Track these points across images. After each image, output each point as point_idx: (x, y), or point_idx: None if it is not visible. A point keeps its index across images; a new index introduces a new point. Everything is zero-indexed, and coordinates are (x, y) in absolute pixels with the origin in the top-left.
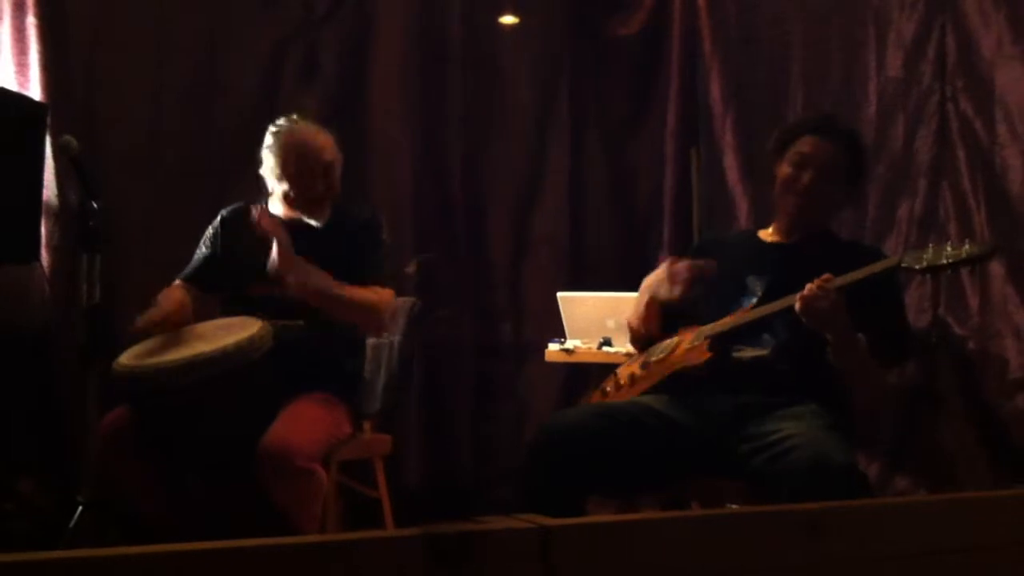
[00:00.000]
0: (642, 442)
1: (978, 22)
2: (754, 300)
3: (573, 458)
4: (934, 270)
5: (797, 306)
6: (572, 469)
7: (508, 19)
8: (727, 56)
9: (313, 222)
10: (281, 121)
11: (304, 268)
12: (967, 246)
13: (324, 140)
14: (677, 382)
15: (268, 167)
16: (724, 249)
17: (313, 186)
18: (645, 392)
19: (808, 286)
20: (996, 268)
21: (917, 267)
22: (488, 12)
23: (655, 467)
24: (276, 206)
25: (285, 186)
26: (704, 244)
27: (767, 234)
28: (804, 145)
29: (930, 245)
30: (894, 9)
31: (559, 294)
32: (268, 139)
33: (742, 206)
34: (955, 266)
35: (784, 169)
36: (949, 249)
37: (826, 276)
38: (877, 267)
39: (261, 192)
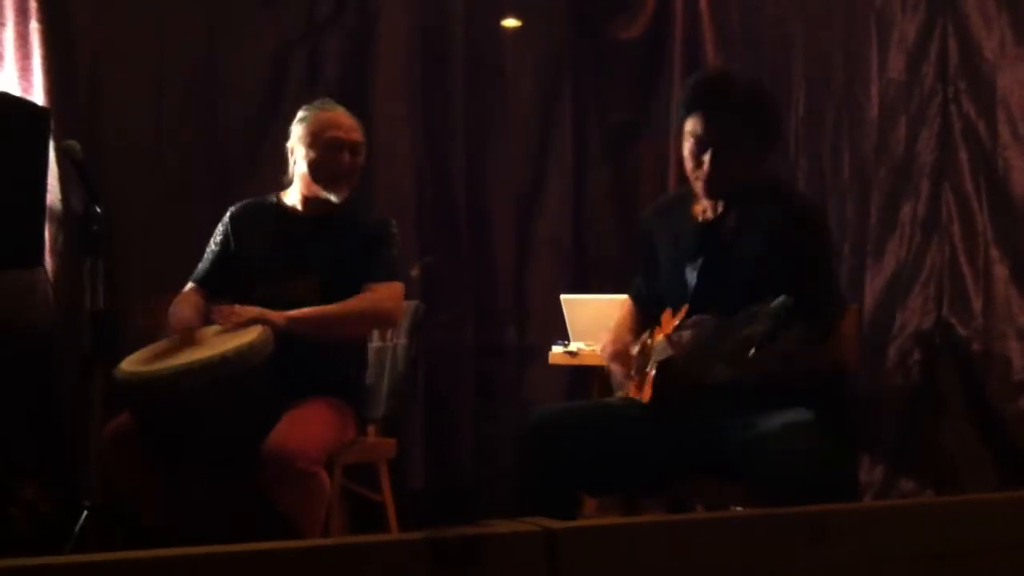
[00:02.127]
0: (622, 429)
1: (980, 24)
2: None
3: (555, 442)
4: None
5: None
6: (555, 454)
7: (510, 21)
8: (729, 59)
9: (333, 198)
10: (315, 102)
11: (279, 313)
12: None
13: (355, 124)
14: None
15: (297, 136)
16: (661, 225)
17: (340, 158)
18: None
19: (661, 335)
20: (1000, 270)
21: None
22: (490, 14)
23: (637, 456)
24: (292, 193)
25: (312, 154)
26: (644, 224)
27: (696, 207)
28: (697, 124)
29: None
30: (896, 11)
31: (562, 297)
32: (301, 113)
33: None
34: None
35: (685, 147)
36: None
37: (678, 317)
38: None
39: (265, 190)
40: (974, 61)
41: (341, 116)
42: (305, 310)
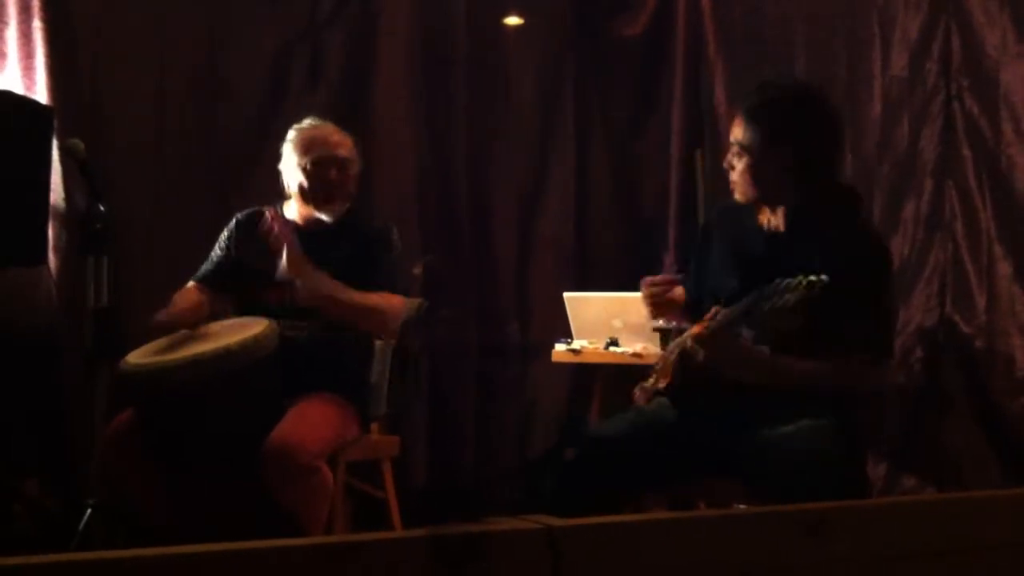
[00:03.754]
0: (660, 450)
1: (983, 21)
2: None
3: (614, 472)
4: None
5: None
6: (613, 482)
7: (512, 20)
8: (732, 57)
9: (326, 217)
10: (304, 121)
11: (314, 273)
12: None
13: (343, 139)
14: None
15: (286, 160)
16: (724, 228)
17: (327, 178)
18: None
19: (694, 329)
20: (1003, 267)
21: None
22: (492, 13)
23: (667, 471)
24: (292, 208)
25: (301, 178)
26: (707, 224)
27: (764, 216)
28: (734, 129)
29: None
30: (899, 9)
31: (566, 294)
32: (289, 134)
33: None
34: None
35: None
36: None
37: (710, 313)
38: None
39: (271, 193)
40: (977, 58)
41: (326, 133)
42: (339, 287)
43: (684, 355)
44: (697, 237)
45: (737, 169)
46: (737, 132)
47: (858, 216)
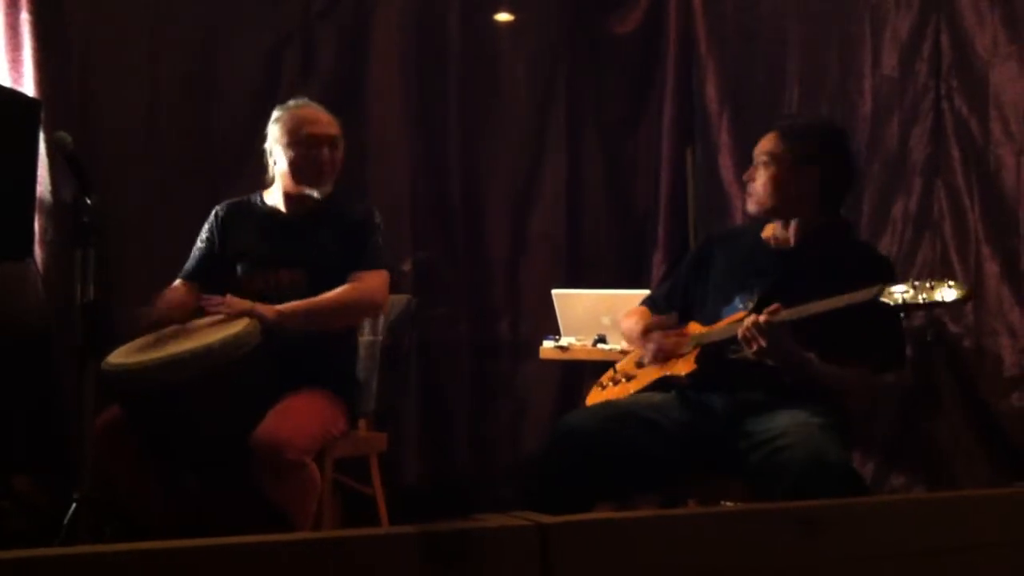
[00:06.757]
0: (650, 444)
1: (973, 21)
2: (750, 305)
3: (586, 462)
4: (907, 308)
5: (739, 334)
6: (585, 473)
7: (505, 16)
8: (723, 55)
9: (316, 194)
10: (289, 102)
11: (268, 306)
12: (944, 289)
13: (330, 118)
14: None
15: (274, 138)
16: (726, 247)
17: (319, 154)
18: (644, 389)
19: (748, 321)
20: (991, 267)
21: (891, 304)
22: (486, 10)
23: (661, 467)
24: (274, 192)
25: (291, 153)
26: (708, 242)
27: (769, 233)
28: (763, 143)
29: (911, 280)
30: (890, 8)
31: (554, 291)
32: (276, 113)
33: (737, 204)
34: (929, 307)
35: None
36: (928, 289)
37: (773, 307)
38: (840, 301)
39: (261, 188)
40: (967, 58)
41: (315, 112)
42: (293, 303)
43: (712, 347)
44: (690, 258)
45: (760, 179)
46: (768, 145)
47: (855, 237)
